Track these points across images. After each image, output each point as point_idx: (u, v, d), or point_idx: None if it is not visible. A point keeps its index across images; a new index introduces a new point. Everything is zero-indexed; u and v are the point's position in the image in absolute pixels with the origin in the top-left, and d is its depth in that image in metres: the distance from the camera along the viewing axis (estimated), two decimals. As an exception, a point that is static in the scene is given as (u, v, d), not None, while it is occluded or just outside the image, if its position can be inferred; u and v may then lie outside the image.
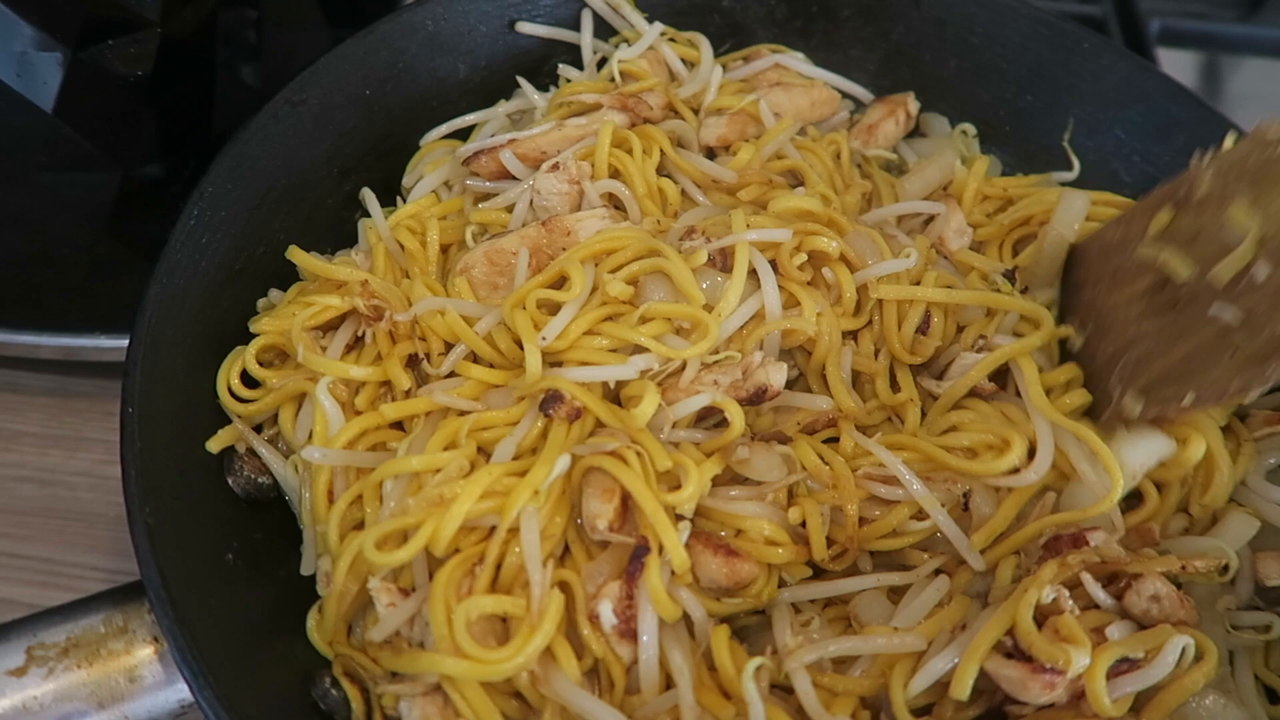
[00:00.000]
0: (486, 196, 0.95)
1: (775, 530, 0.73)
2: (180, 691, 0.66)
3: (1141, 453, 0.75)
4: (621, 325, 0.77)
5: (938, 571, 0.74)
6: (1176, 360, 0.73)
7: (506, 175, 0.94)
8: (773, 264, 0.82)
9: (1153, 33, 1.38)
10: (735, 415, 0.74)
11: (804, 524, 0.74)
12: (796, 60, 1.10)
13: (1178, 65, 1.57)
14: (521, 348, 0.76)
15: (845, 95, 1.12)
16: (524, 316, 0.76)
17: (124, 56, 0.89)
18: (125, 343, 1.03)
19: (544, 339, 0.75)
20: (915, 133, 1.12)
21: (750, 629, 0.76)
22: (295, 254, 0.86)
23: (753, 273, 0.81)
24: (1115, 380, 0.78)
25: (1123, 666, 0.64)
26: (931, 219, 0.97)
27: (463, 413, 0.75)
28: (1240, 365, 0.69)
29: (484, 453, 0.74)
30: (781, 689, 0.70)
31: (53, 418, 1.16)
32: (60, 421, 1.16)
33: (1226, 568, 0.74)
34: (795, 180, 0.98)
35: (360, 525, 0.74)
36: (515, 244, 0.85)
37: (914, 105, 1.09)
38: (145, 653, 0.66)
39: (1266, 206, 0.69)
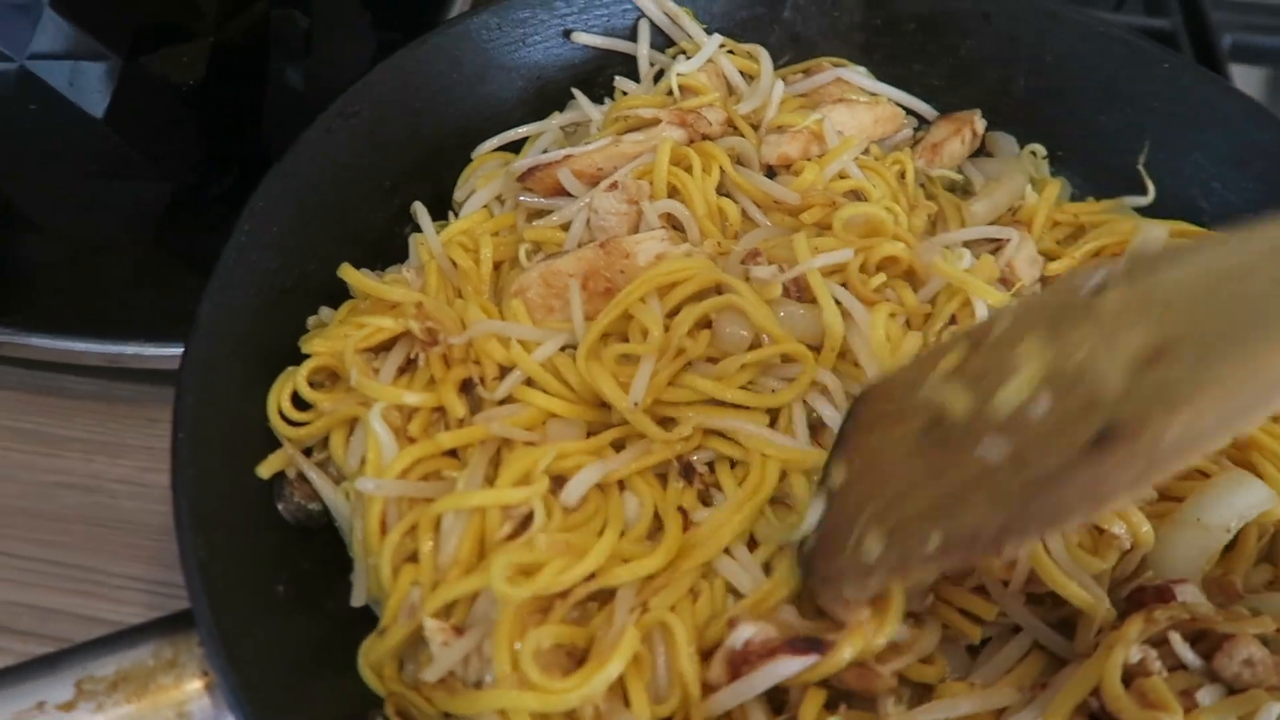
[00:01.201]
0: (540, 213, 0.93)
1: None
2: (230, 728, 0.64)
3: (1241, 502, 0.72)
4: (708, 380, 0.75)
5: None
6: (930, 498, 0.64)
7: (562, 191, 0.92)
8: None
9: (1224, 48, 1.33)
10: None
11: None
12: (859, 75, 1.07)
13: (1249, 81, 1.52)
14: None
15: (909, 112, 1.08)
16: (603, 371, 0.74)
17: (176, 65, 0.87)
18: (168, 350, 1.04)
19: (634, 403, 0.73)
20: (981, 152, 1.08)
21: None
22: (347, 272, 0.84)
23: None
24: (863, 521, 0.68)
25: (1214, 735, 0.61)
26: (999, 245, 0.93)
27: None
28: (996, 505, 0.60)
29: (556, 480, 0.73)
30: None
31: (98, 423, 1.15)
32: (104, 427, 1.15)
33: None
34: (858, 200, 0.95)
35: (413, 557, 0.72)
36: (572, 266, 0.83)
37: (980, 124, 1.06)
38: (194, 687, 0.64)
39: (1059, 341, 0.61)
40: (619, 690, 0.65)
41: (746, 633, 0.65)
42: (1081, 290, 0.62)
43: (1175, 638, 0.65)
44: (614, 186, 0.86)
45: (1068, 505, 0.55)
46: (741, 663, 0.65)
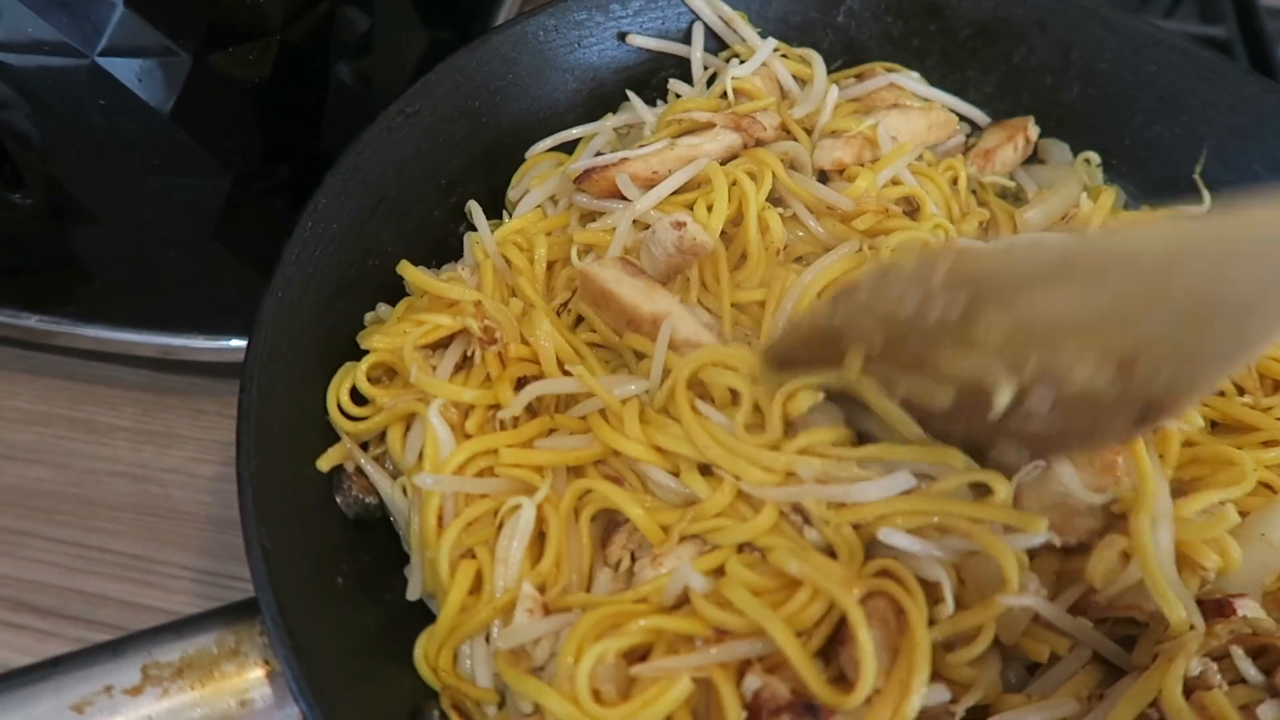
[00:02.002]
0: (592, 215, 0.93)
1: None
2: (289, 717, 0.65)
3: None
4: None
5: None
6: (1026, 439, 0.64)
7: (617, 193, 0.92)
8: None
9: None
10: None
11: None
12: (912, 80, 1.07)
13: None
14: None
15: (961, 118, 1.08)
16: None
17: (242, 63, 0.88)
18: (220, 344, 1.06)
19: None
20: (1033, 159, 1.08)
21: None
22: (406, 269, 0.85)
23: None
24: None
25: (1275, 750, 0.60)
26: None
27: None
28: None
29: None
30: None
31: (146, 413, 1.17)
32: (153, 417, 1.17)
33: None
34: (911, 207, 0.95)
35: (471, 553, 0.73)
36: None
37: (1034, 130, 1.05)
38: (256, 675, 0.65)
39: (971, 352, 0.61)
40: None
41: (754, 685, 0.64)
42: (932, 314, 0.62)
43: (1237, 651, 0.64)
44: (680, 225, 0.83)
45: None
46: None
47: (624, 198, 0.91)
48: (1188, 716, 0.59)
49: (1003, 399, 0.61)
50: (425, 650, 0.71)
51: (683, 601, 0.69)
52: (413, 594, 0.74)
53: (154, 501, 1.11)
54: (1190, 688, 0.62)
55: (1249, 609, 0.67)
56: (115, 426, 1.16)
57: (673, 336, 0.77)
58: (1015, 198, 1.03)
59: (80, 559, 1.06)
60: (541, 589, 0.71)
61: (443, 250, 0.94)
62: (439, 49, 0.97)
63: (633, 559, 0.72)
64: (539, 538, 0.73)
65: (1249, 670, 0.64)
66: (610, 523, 0.74)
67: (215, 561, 1.07)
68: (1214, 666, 0.63)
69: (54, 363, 1.17)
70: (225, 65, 0.86)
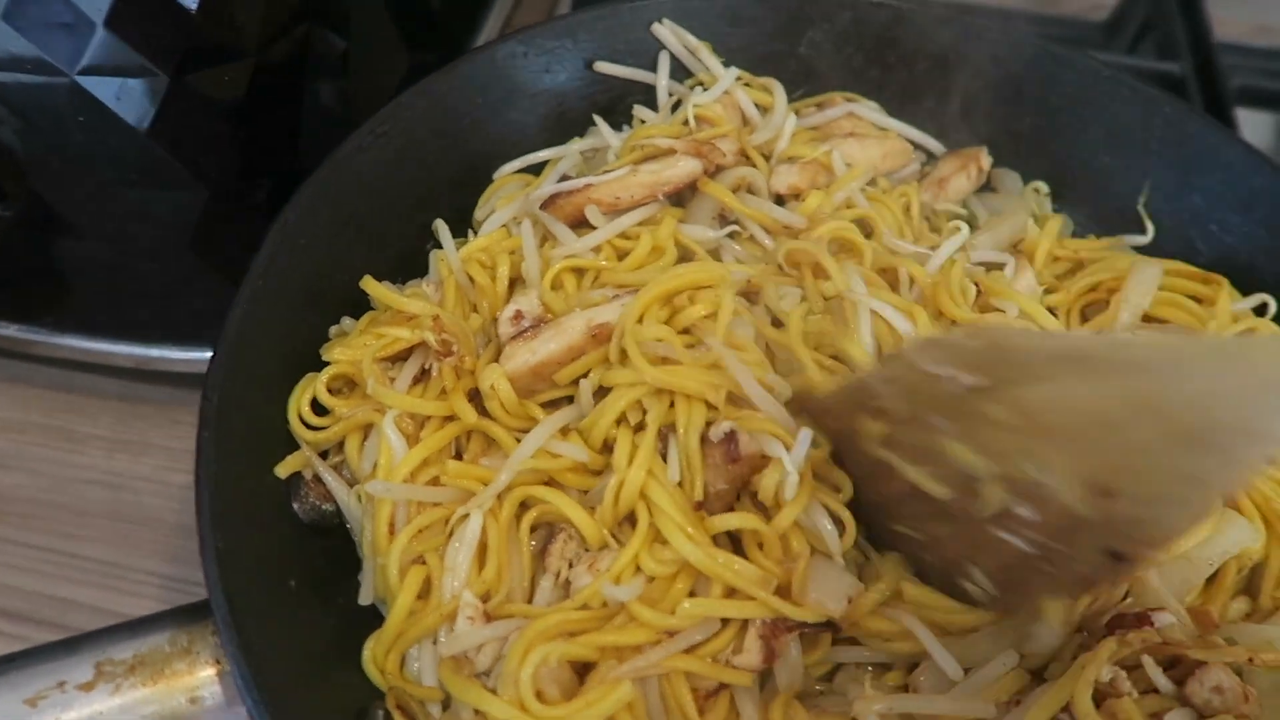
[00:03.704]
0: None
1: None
2: (238, 715, 0.67)
3: (1226, 538, 0.74)
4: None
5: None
6: (996, 569, 0.69)
7: (582, 218, 0.95)
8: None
9: (1232, 91, 1.36)
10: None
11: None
12: (870, 109, 1.10)
13: (1259, 126, 1.54)
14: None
15: (917, 147, 1.11)
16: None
17: (219, 84, 0.91)
18: (196, 354, 1.08)
19: None
20: (987, 188, 1.11)
21: (811, 695, 0.76)
22: (369, 284, 0.87)
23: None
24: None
25: (1182, 757, 0.63)
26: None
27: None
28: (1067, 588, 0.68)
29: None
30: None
31: (121, 422, 1.20)
32: (128, 426, 1.19)
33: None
34: (865, 230, 0.98)
35: (421, 560, 0.75)
36: (562, 356, 0.82)
37: (986, 160, 1.09)
38: (207, 673, 0.68)
39: (977, 442, 0.66)
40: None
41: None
42: (953, 387, 0.66)
43: (1148, 661, 0.67)
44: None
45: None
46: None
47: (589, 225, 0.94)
48: (1096, 722, 0.62)
49: (995, 497, 0.65)
50: (373, 653, 0.73)
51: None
52: (364, 599, 0.77)
53: (127, 509, 1.13)
54: (1102, 695, 0.65)
55: (1166, 621, 0.69)
56: (91, 435, 1.19)
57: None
58: (970, 225, 1.06)
59: (53, 564, 1.08)
60: (485, 597, 0.73)
61: (410, 267, 0.97)
62: (421, 71, 1.00)
63: (570, 566, 0.74)
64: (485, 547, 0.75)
65: (1160, 680, 0.67)
66: (550, 533, 0.77)
67: (184, 568, 1.09)
68: (1124, 674, 0.66)
69: (32, 371, 1.19)
70: (202, 85, 0.89)
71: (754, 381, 0.75)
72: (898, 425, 0.72)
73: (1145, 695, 0.67)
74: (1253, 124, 1.52)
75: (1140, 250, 1.02)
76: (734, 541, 0.77)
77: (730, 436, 0.74)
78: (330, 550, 0.80)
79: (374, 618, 0.77)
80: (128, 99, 0.88)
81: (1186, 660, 0.68)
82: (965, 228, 0.95)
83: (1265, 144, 1.53)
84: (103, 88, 0.87)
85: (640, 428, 0.78)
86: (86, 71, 0.87)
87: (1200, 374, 0.58)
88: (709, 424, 0.76)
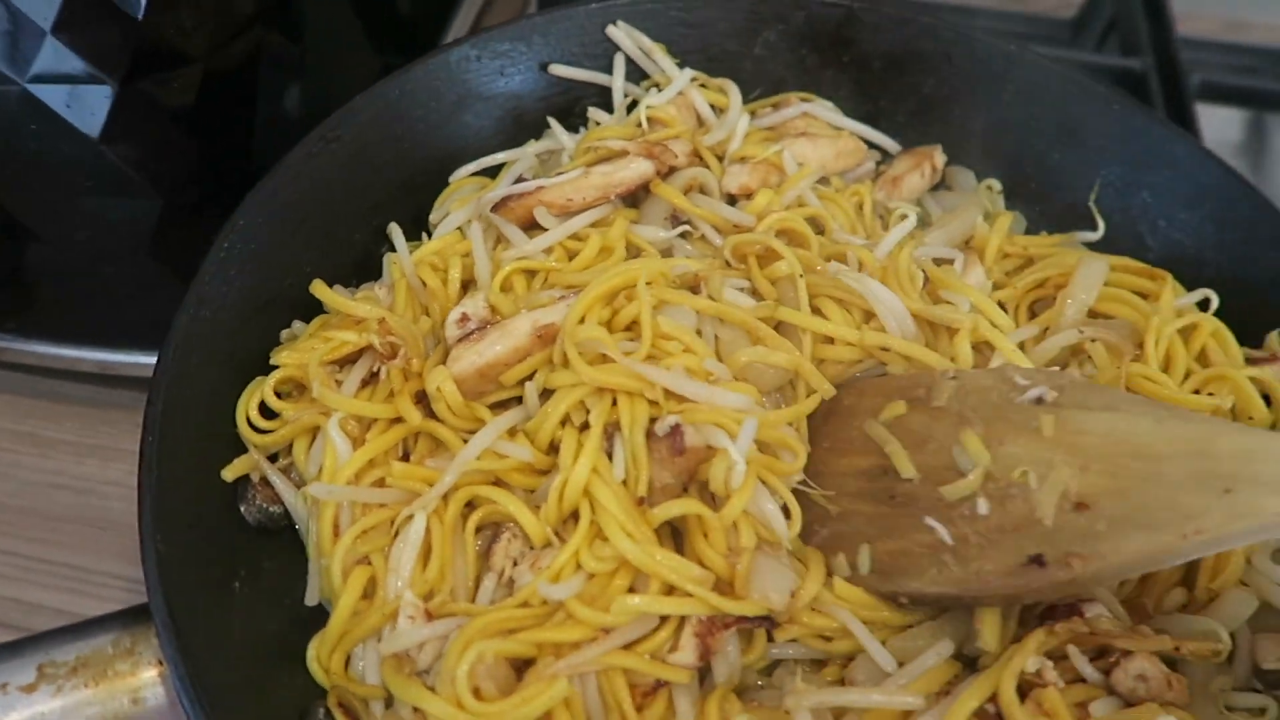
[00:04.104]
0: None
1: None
2: (182, 715, 0.68)
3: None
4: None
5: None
6: (884, 553, 0.76)
7: (534, 220, 0.96)
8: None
9: (1193, 87, 1.37)
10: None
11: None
12: (825, 109, 1.11)
13: (1222, 121, 1.55)
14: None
15: (872, 146, 1.12)
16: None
17: (168, 90, 0.92)
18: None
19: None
20: (942, 186, 1.12)
21: (750, 689, 0.77)
22: (318, 288, 0.88)
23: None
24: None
25: (1105, 745, 0.64)
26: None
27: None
28: (943, 585, 0.72)
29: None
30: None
31: (89, 427, 1.21)
32: (96, 431, 1.20)
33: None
34: (817, 228, 0.99)
35: (366, 560, 0.76)
36: (509, 357, 0.83)
37: (940, 158, 1.10)
38: (150, 675, 0.69)
39: (996, 448, 0.73)
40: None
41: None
42: (1020, 396, 0.75)
43: (1073, 651, 0.68)
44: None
45: (1003, 591, 0.70)
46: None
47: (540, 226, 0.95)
48: (1019, 712, 0.63)
49: (967, 489, 0.73)
50: (317, 652, 0.74)
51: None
52: (311, 599, 0.78)
53: (94, 513, 1.14)
54: (1029, 685, 0.66)
55: (1096, 612, 0.70)
56: (59, 440, 1.20)
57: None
58: (923, 222, 1.07)
59: (19, 568, 1.09)
60: (428, 596, 0.74)
61: (364, 271, 0.98)
62: (390, 73, 1.01)
63: (514, 565, 0.75)
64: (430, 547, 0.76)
65: (1086, 669, 0.68)
66: (495, 532, 0.78)
67: (150, 573, 1.10)
68: (1050, 665, 0.67)
69: (-1, 378, 1.21)
70: (151, 91, 0.90)
71: (679, 376, 0.76)
72: (924, 413, 0.79)
73: (1072, 685, 0.68)
74: (1218, 120, 1.54)
75: (1091, 246, 1.03)
76: (680, 536, 0.78)
77: (675, 430, 0.75)
78: (279, 552, 0.81)
79: (322, 618, 0.78)
80: (78, 106, 0.89)
81: (1114, 650, 0.69)
82: (913, 216, 0.96)
83: (1230, 139, 1.55)
84: (53, 95, 0.89)
85: (585, 427, 0.79)
86: (36, 80, 0.88)
87: (1260, 434, 0.67)
88: (654, 419, 0.77)
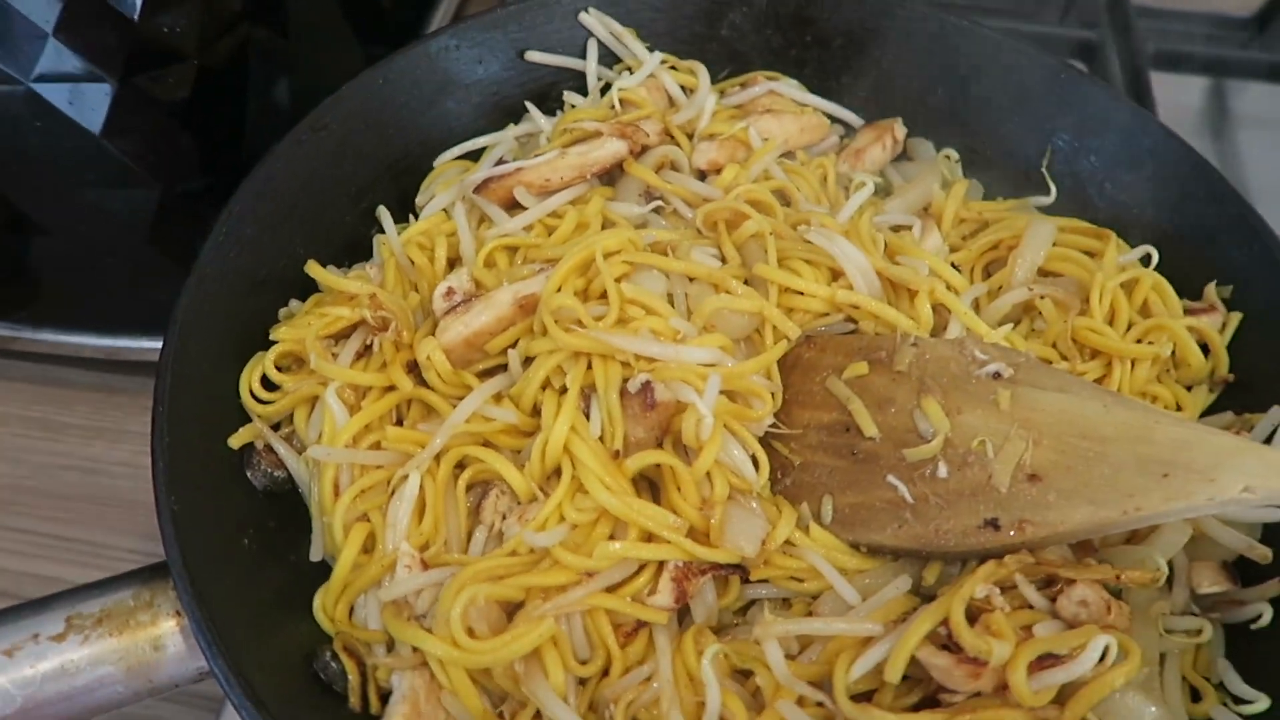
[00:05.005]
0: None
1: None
2: (199, 661, 0.74)
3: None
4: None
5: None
6: (845, 505, 0.82)
7: (515, 201, 1.01)
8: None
9: (1147, 55, 1.42)
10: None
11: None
12: (790, 87, 1.16)
13: (1181, 89, 1.60)
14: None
15: (836, 120, 1.18)
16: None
17: (164, 86, 0.97)
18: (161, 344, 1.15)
19: None
20: (903, 157, 1.17)
21: (726, 627, 0.83)
22: (312, 268, 0.94)
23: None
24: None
25: (1047, 661, 0.69)
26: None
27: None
28: (902, 540, 0.79)
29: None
30: (740, 674, 0.77)
31: (97, 411, 1.26)
32: (104, 415, 1.26)
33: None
34: (783, 201, 1.04)
35: (365, 518, 0.82)
36: (493, 327, 0.88)
37: (901, 130, 1.15)
38: (169, 625, 0.74)
39: (954, 416, 0.81)
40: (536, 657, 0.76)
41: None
42: (978, 370, 0.82)
43: (1021, 580, 0.74)
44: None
45: (960, 548, 0.77)
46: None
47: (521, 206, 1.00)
48: (966, 632, 0.69)
49: (927, 453, 0.80)
50: (323, 602, 0.80)
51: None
52: (315, 555, 0.84)
53: (104, 492, 1.20)
54: (979, 610, 0.72)
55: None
56: (68, 424, 1.25)
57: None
58: (885, 193, 1.13)
59: (34, 545, 1.15)
60: (423, 548, 0.80)
61: (355, 252, 1.03)
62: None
63: (503, 519, 0.81)
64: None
65: (1033, 596, 0.74)
66: (485, 489, 0.83)
67: (160, 545, 1.15)
68: (997, 591, 0.72)
69: (9, 366, 1.26)
70: (148, 88, 0.95)
71: (643, 339, 0.81)
72: (885, 375, 0.85)
73: (1020, 610, 0.74)
74: (1177, 88, 1.59)
75: (1044, 209, 1.08)
76: (657, 491, 0.84)
77: (645, 387, 0.80)
78: (284, 513, 0.86)
79: (325, 572, 0.83)
80: (80, 103, 0.94)
81: (1060, 579, 0.75)
82: (870, 183, 1.02)
83: (1188, 106, 1.60)
84: (56, 94, 0.93)
85: (565, 390, 0.85)
86: (40, 79, 0.93)
87: (1194, 427, 0.76)
88: (627, 379, 0.83)
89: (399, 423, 0.88)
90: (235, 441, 0.86)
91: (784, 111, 1.12)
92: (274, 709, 0.69)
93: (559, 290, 0.86)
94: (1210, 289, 0.97)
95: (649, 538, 0.79)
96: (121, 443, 1.24)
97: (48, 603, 0.74)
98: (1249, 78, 1.57)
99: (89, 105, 0.95)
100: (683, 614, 0.82)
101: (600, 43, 1.16)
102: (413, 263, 0.98)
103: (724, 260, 0.95)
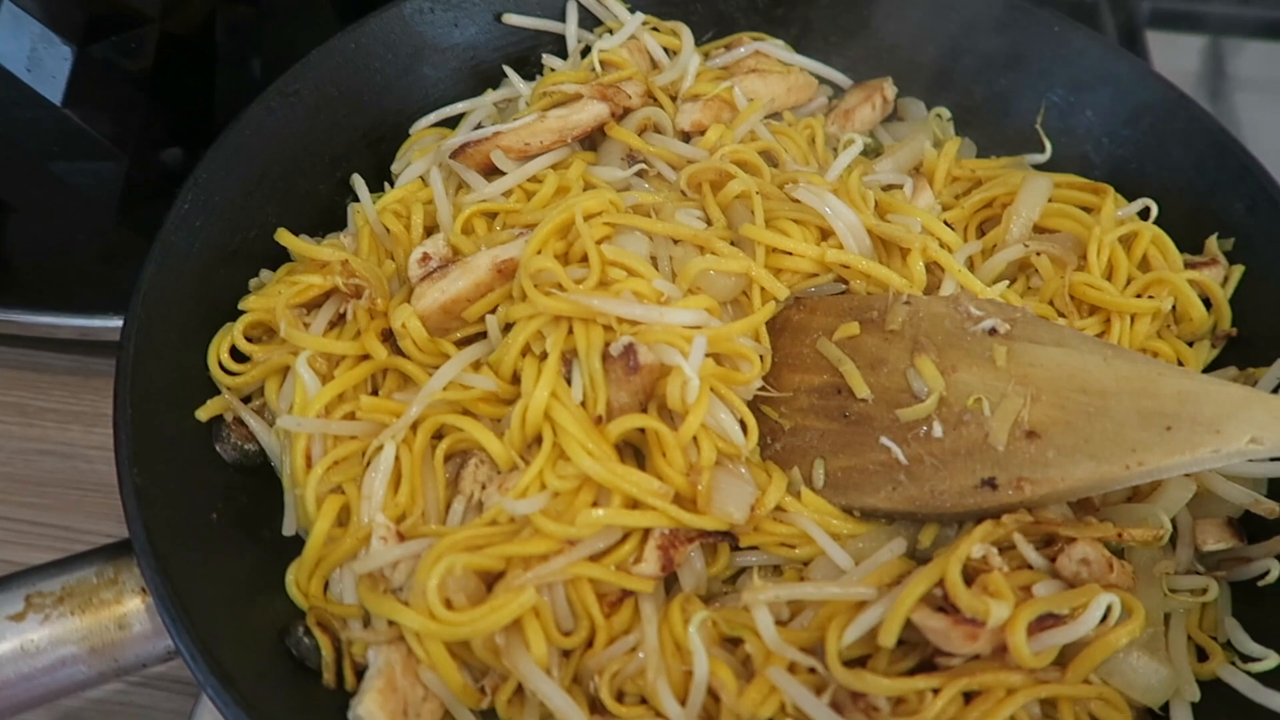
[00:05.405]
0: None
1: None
2: (167, 640, 0.71)
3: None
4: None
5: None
6: (838, 469, 0.80)
7: (493, 166, 0.98)
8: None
9: (1144, 15, 1.39)
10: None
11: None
12: (776, 47, 1.13)
13: (1178, 48, 1.57)
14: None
15: (824, 81, 1.15)
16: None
17: (127, 52, 0.94)
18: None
19: None
20: (893, 117, 1.14)
21: (716, 595, 0.80)
22: (283, 236, 0.91)
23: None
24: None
25: (1047, 622, 0.67)
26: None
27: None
28: (897, 502, 0.77)
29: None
30: (730, 642, 0.75)
31: (73, 395, 1.23)
32: (80, 398, 1.23)
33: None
34: (770, 162, 1.01)
35: (339, 490, 0.79)
36: (471, 293, 0.85)
37: (891, 90, 1.12)
38: (134, 603, 0.72)
39: (949, 375, 0.78)
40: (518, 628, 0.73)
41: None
42: (973, 327, 0.80)
43: (1020, 539, 0.71)
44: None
45: (956, 509, 0.75)
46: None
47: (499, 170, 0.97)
48: (963, 592, 0.66)
49: (922, 413, 0.77)
50: (296, 577, 0.77)
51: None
52: (288, 529, 0.81)
53: (80, 477, 1.17)
54: (975, 571, 0.69)
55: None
56: (44, 409, 1.23)
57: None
58: (876, 153, 1.09)
59: (9, 531, 1.12)
60: (400, 519, 0.77)
61: (330, 222, 1.00)
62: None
63: (483, 488, 0.78)
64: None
65: (1032, 555, 0.71)
66: (463, 460, 0.81)
67: (138, 528, 1.13)
68: (995, 551, 0.70)
69: (-18, 351, 1.23)
70: (109, 54, 0.92)
71: (625, 301, 0.78)
72: (877, 335, 0.83)
73: (1019, 570, 0.71)
74: (1174, 48, 1.56)
75: (1040, 167, 1.05)
76: (642, 458, 0.81)
77: (628, 349, 0.77)
78: (257, 488, 0.84)
79: (300, 547, 0.80)
80: (39, 71, 0.91)
81: (1060, 538, 0.73)
82: (859, 140, 0.99)
83: (1184, 66, 1.57)
84: (13, 60, 0.90)
85: (546, 356, 0.82)
86: (-5, 45, 0.90)
87: (1198, 378, 0.73)
88: (609, 343, 0.80)
89: (375, 393, 0.85)
90: (203, 414, 0.83)
91: (770, 72, 1.09)
92: (243, 686, 0.66)
93: (538, 253, 0.83)
94: (1211, 242, 0.95)
95: (634, 504, 0.76)
96: (98, 426, 1.21)
97: (5, 581, 0.71)
98: (1248, 36, 1.54)
99: (49, 73, 0.92)
100: (671, 583, 0.79)
101: (580, 4, 1.13)
102: (388, 231, 0.95)
103: (709, 223, 0.92)
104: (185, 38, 0.99)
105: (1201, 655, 0.76)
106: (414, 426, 0.81)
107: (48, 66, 0.91)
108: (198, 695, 0.95)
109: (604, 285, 0.81)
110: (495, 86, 1.11)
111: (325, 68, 1.00)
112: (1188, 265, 0.93)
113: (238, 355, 0.86)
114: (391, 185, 1.04)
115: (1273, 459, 0.77)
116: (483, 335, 0.87)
